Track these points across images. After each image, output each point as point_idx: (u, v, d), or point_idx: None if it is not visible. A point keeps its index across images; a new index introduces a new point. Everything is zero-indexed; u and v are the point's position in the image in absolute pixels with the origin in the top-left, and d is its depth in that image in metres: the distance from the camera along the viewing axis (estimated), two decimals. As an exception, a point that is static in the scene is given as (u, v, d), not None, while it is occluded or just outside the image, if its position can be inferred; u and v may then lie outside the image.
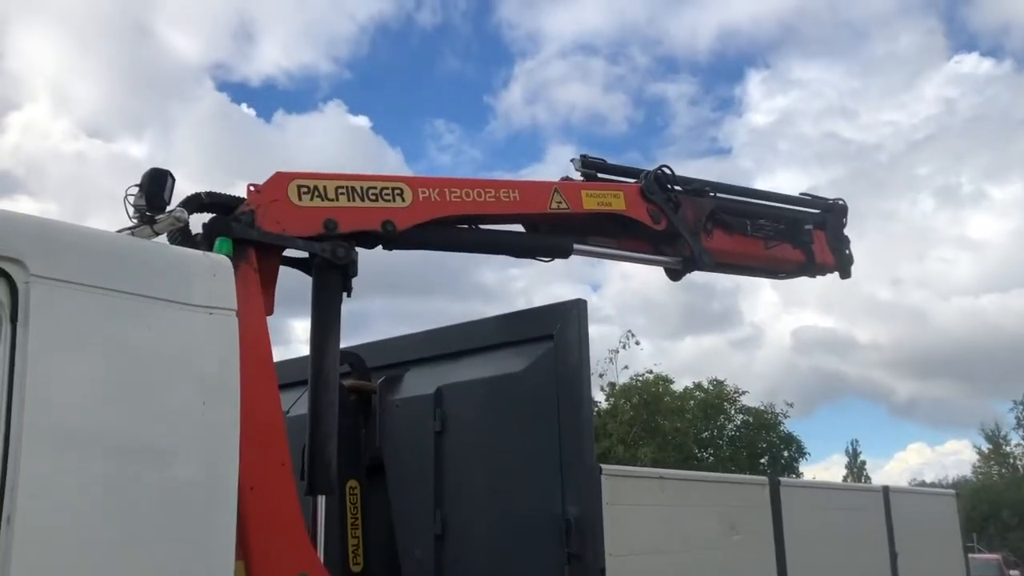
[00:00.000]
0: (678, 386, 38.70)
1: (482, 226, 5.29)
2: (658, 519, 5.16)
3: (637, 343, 35.16)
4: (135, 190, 3.83)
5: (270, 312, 4.32)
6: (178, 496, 3.35)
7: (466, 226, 5.15)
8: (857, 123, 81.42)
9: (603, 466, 4.82)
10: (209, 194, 4.22)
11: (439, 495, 5.18)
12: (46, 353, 3.06)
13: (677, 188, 6.10)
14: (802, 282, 7.50)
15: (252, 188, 4.26)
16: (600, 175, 6.01)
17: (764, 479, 6.29)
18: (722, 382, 39.93)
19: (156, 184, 3.79)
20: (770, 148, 78.09)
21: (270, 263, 4.31)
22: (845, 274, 7.48)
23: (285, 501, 4.09)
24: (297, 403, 5.29)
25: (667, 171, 6.07)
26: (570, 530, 4.62)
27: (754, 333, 64.62)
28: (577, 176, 5.97)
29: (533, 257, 5.62)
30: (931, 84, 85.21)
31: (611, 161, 6.18)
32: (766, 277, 7.46)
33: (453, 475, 5.18)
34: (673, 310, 57.59)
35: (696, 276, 6.46)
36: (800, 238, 6.88)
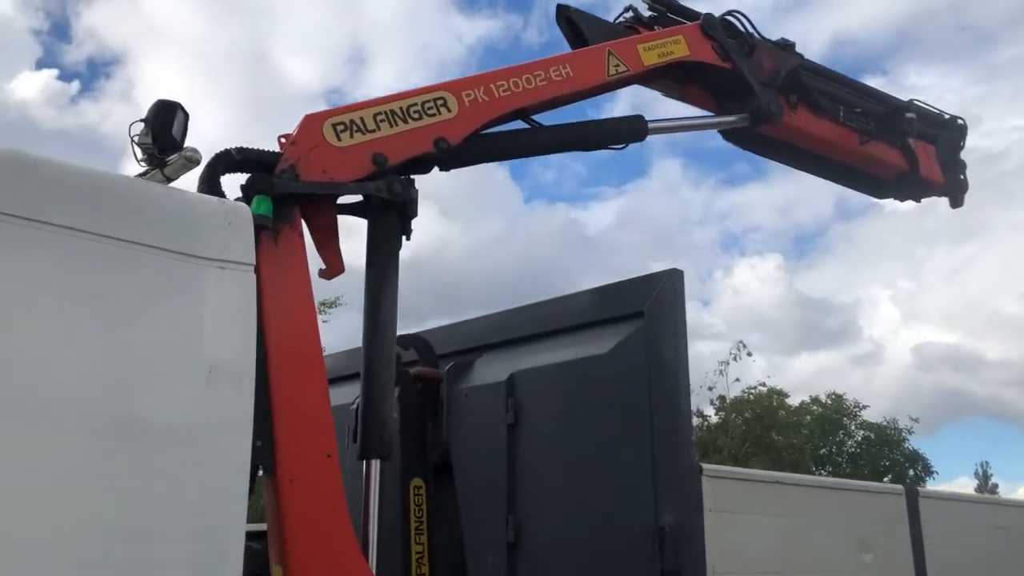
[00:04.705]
0: (793, 401, 36.93)
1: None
2: (772, 531, 4.34)
3: (749, 354, 33.57)
4: (140, 127, 3.31)
5: (339, 271, 3.92)
6: (169, 484, 2.78)
7: (526, 126, 4.56)
8: (981, 130, 76.48)
9: (705, 466, 4.05)
10: (241, 150, 3.73)
11: (512, 498, 4.50)
12: (2, 306, 2.54)
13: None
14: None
15: (284, 140, 3.79)
16: (669, 14, 5.37)
17: (900, 488, 5.35)
18: (841, 396, 37.91)
19: (163, 118, 3.26)
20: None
21: (326, 217, 3.89)
22: (956, 202, 6.65)
23: (330, 498, 3.56)
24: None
25: (740, 16, 5.36)
26: (665, 541, 3.87)
27: (873, 349, 61.23)
28: (644, 10, 5.37)
29: (606, 146, 4.95)
30: (1061, 87, 79.51)
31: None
32: (860, 189, 6.55)
33: (527, 475, 4.49)
34: (788, 326, 55.28)
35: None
36: (900, 134, 6.02)
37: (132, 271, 2.80)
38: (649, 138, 4.97)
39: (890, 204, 7.02)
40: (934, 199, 6.77)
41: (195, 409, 2.84)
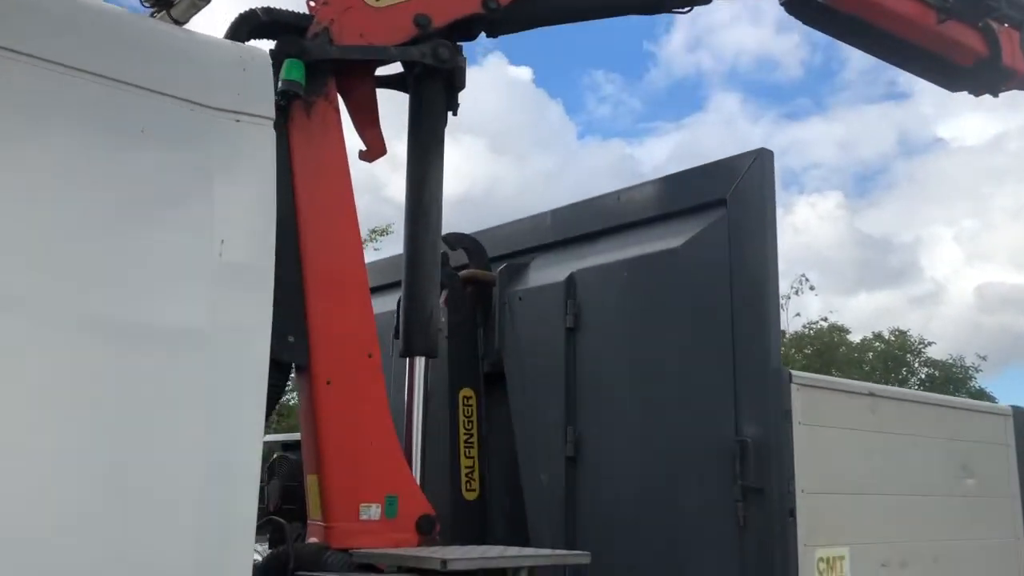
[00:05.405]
0: (854, 338, 35.89)
1: None
2: (866, 449, 3.85)
3: (811, 288, 32.54)
4: None
5: (381, 152, 3.60)
6: (179, 377, 2.37)
7: None
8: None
9: (794, 372, 3.54)
10: (268, 11, 3.33)
11: (571, 409, 4.06)
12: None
13: None
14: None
15: (314, 3, 3.38)
16: None
17: (1007, 408, 4.78)
18: (905, 332, 36.74)
19: None
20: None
21: (364, 90, 3.55)
22: None
23: (371, 403, 3.23)
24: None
25: None
26: (746, 455, 3.41)
27: (934, 289, 58.93)
28: None
29: (669, 9, 4.54)
30: None
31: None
32: (931, 79, 5.87)
33: (589, 383, 4.03)
34: (847, 265, 53.50)
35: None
36: (984, 12, 5.37)
37: (130, 118, 2.36)
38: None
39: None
40: (1013, 93, 6.04)
41: (204, 286, 2.40)
